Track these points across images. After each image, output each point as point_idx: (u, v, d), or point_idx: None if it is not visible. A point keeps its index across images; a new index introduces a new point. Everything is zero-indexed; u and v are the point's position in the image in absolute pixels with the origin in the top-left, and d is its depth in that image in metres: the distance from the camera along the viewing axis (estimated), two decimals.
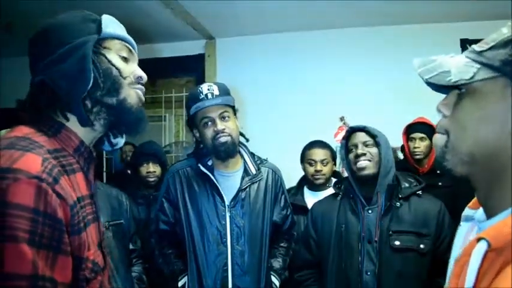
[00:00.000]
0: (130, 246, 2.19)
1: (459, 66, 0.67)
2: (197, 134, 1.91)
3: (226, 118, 1.84)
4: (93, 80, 0.88)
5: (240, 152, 1.96)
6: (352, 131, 1.88)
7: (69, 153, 0.89)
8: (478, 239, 0.58)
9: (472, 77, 0.64)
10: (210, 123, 1.83)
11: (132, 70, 0.98)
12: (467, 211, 0.75)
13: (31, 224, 0.72)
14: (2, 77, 3.46)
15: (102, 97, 0.91)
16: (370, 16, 3.19)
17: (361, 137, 1.83)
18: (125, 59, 0.98)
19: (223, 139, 1.81)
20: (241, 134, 1.97)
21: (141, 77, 0.99)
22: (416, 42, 3.27)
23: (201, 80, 3.72)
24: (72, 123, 0.91)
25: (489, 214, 0.67)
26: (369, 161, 1.78)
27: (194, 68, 3.76)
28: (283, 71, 3.56)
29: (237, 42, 3.66)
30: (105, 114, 0.93)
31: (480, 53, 0.65)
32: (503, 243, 0.56)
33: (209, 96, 1.81)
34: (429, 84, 0.71)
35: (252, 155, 2.01)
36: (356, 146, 1.82)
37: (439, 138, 0.71)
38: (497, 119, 0.62)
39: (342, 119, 3.44)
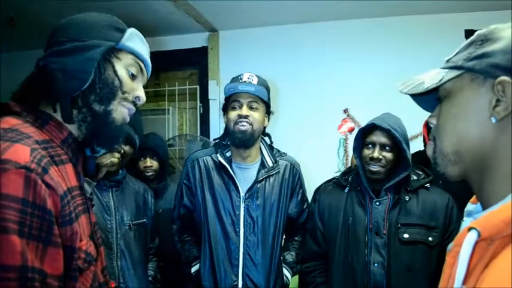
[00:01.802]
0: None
1: (431, 75, 0.75)
2: (225, 119, 1.94)
3: (254, 108, 1.87)
4: (91, 83, 0.89)
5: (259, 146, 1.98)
6: (375, 127, 1.80)
7: (57, 144, 0.89)
8: (469, 229, 0.60)
9: (441, 80, 0.72)
10: (237, 107, 1.87)
11: (133, 88, 0.98)
12: (468, 206, 0.77)
13: (20, 215, 0.71)
14: (4, 71, 3.45)
15: (92, 102, 0.91)
16: (374, 7, 3.16)
17: (382, 138, 1.78)
18: (132, 76, 0.98)
19: (243, 126, 1.83)
20: (267, 135, 2.01)
21: (139, 98, 0.99)
22: (421, 33, 3.24)
23: (204, 73, 3.70)
24: (60, 116, 0.91)
25: (484, 207, 0.69)
26: (382, 167, 1.77)
27: (197, 60, 3.72)
28: (287, 63, 3.53)
29: (240, 34, 3.63)
30: (90, 118, 0.93)
31: (448, 60, 0.74)
32: (492, 233, 0.57)
33: (246, 82, 1.86)
34: (412, 97, 0.81)
35: (271, 148, 2.03)
36: (374, 145, 1.78)
37: (428, 147, 0.77)
38: (470, 110, 0.67)
39: (345, 111, 3.43)
